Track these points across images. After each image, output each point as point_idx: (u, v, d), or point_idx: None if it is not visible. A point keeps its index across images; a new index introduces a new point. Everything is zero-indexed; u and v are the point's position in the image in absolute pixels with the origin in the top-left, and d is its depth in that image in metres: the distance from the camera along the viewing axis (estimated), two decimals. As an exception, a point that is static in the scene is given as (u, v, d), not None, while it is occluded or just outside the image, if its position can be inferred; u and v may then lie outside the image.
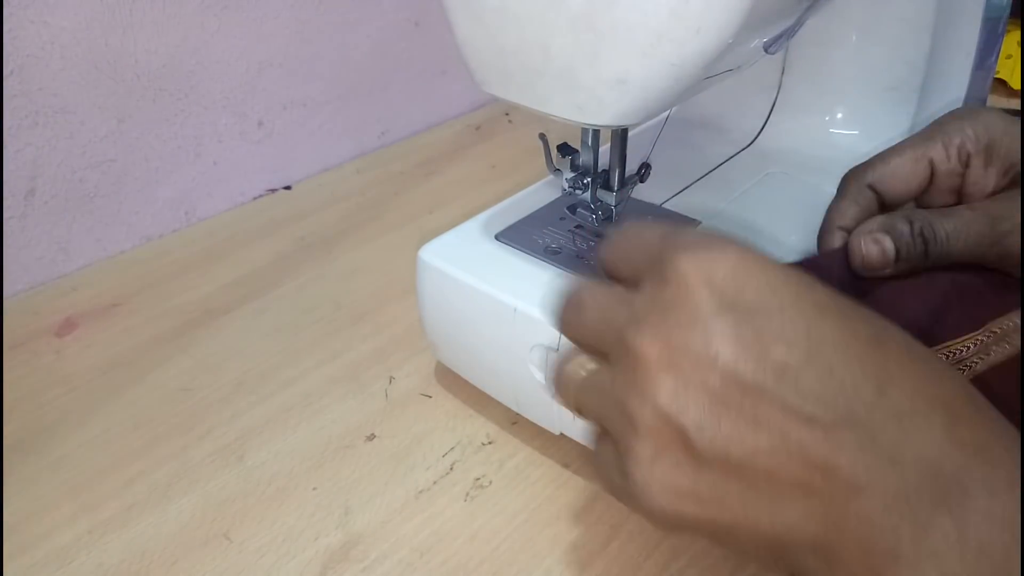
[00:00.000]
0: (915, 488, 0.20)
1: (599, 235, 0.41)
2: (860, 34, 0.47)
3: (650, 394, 0.22)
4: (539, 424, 0.39)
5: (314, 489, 0.39)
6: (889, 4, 0.48)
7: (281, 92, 0.65)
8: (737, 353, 0.21)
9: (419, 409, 0.43)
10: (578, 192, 0.41)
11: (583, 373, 0.26)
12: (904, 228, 0.33)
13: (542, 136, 0.41)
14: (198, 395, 0.45)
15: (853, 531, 0.21)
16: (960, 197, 0.35)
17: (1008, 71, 0.74)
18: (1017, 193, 0.33)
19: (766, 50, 0.33)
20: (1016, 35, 0.74)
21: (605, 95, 0.30)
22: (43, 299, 0.54)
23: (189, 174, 0.62)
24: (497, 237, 0.41)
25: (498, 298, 0.37)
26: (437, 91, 0.78)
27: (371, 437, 0.41)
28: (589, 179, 0.40)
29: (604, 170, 0.40)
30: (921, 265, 0.33)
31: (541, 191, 0.45)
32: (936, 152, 0.35)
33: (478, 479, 0.39)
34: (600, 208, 0.41)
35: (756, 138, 0.52)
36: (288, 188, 0.68)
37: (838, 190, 0.37)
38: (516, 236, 0.41)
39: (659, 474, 0.22)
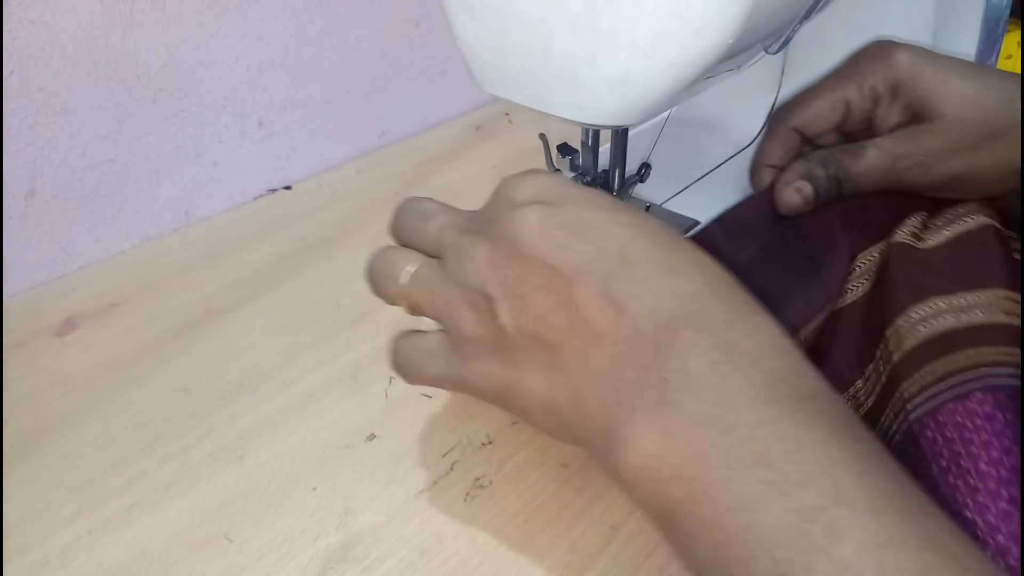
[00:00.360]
0: (644, 331, 0.24)
1: None
2: (860, 34, 0.47)
3: (471, 271, 0.27)
4: (539, 424, 0.39)
5: (314, 489, 0.39)
6: (889, 4, 0.48)
7: (281, 92, 0.65)
8: (533, 233, 0.26)
9: (419, 409, 0.43)
10: None
11: (410, 270, 0.30)
12: (820, 173, 0.39)
13: (542, 136, 0.41)
14: (198, 395, 0.45)
15: (595, 381, 0.25)
16: (869, 127, 0.41)
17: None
18: (918, 129, 0.39)
19: (766, 50, 0.33)
20: (1016, 35, 0.74)
21: (605, 95, 0.30)
22: (43, 299, 0.54)
23: (189, 174, 0.62)
24: (497, 237, 0.41)
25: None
26: (437, 91, 0.78)
27: (371, 437, 0.41)
28: (589, 179, 0.40)
29: (604, 170, 0.40)
30: (836, 200, 0.39)
31: (541, 191, 0.45)
32: (851, 93, 0.40)
33: (478, 479, 0.39)
34: None
35: (756, 138, 0.52)
36: (288, 188, 0.68)
37: (767, 131, 0.42)
38: (516, 236, 0.41)
39: (473, 340, 0.28)
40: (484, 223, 0.28)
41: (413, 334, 0.32)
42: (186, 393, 0.45)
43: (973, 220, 0.37)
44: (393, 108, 0.75)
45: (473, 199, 0.63)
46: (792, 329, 0.35)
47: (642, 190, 0.42)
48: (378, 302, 0.53)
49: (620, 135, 0.39)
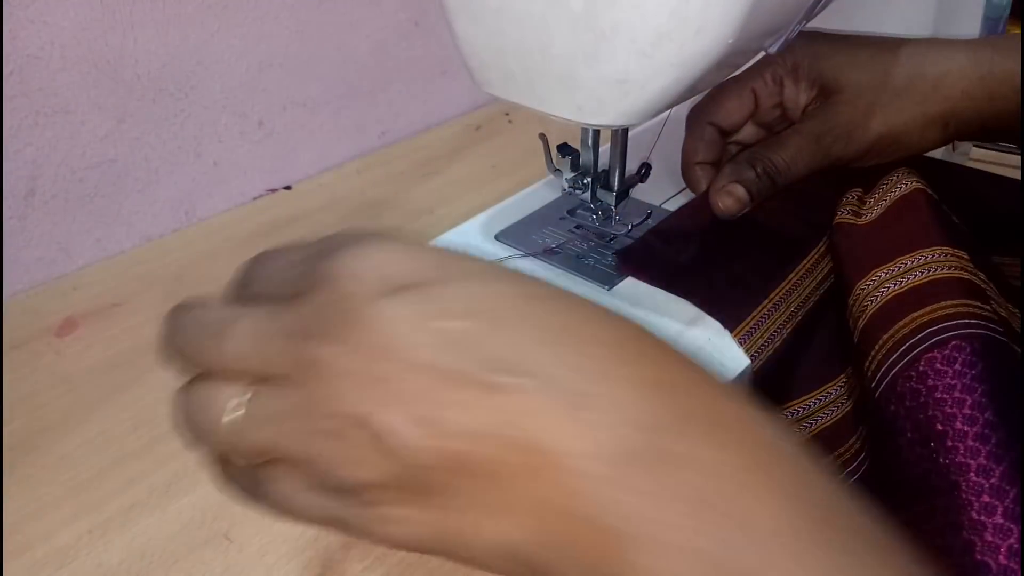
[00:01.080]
0: (621, 453, 0.18)
1: (600, 235, 0.41)
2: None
3: (338, 400, 0.19)
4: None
5: (314, 489, 0.39)
6: (889, 4, 0.48)
7: (281, 92, 0.65)
8: (410, 333, 0.19)
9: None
10: (578, 192, 0.41)
11: (235, 404, 0.21)
12: (750, 174, 0.39)
13: (542, 136, 0.41)
14: (198, 395, 0.45)
15: (577, 512, 0.18)
16: (783, 111, 0.42)
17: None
18: (829, 103, 0.40)
19: (766, 50, 0.33)
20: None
21: (605, 95, 0.30)
22: (43, 299, 0.54)
23: (189, 174, 0.62)
24: (497, 237, 0.41)
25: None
26: (437, 91, 0.78)
27: (371, 437, 0.41)
28: (589, 179, 0.40)
29: (604, 170, 0.40)
30: (774, 193, 0.40)
31: (541, 191, 0.45)
32: (756, 83, 0.41)
33: (478, 479, 0.39)
34: (600, 208, 0.41)
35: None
36: (288, 188, 0.68)
37: (686, 131, 0.43)
38: (516, 236, 0.41)
39: (370, 484, 0.19)
40: (320, 323, 0.20)
41: (277, 475, 0.21)
42: (186, 393, 0.45)
43: (904, 186, 0.38)
44: (393, 108, 0.75)
45: (473, 199, 0.64)
46: (737, 321, 0.35)
47: (642, 190, 0.42)
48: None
49: (620, 135, 0.39)
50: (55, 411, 0.44)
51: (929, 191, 0.38)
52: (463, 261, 0.21)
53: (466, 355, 0.19)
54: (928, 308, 0.33)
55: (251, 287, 0.23)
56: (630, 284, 0.37)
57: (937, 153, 0.48)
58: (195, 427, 0.22)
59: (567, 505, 0.18)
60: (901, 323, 0.33)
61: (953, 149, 0.53)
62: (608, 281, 0.37)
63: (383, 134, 0.75)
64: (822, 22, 0.39)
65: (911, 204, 0.37)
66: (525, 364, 0.19)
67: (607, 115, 0.31)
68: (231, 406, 0.21)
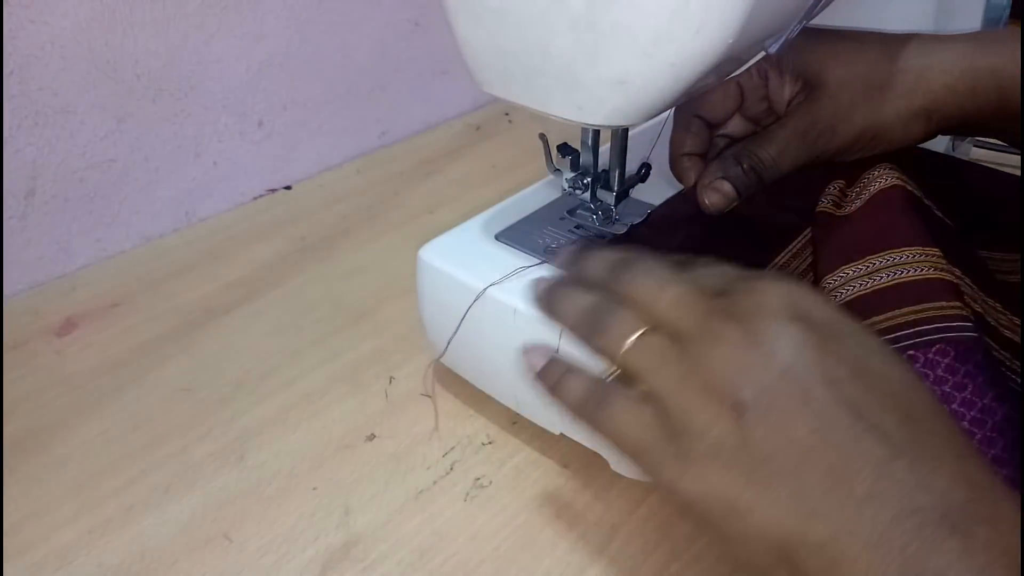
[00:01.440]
0: (931, 512, 0.21)
1: (600, 235, 0.41)
2: (860, 34, 0.47)
3: (718, 372, 0.24)
4: (539, 424, 0.39)
5: (314, 489, 0.39)
6: (889, 4, 0.48)
7: (281, 92, 0.65)
8: (799, 355, 0.24)
9: (419, 409, 0.43)
10: (578, 192, 0.41)
11: (633, 336, 0.27)
12: (736, 170, 0.39)
13: (542, 136, 0.41)
14: (198, 395, 0.45)
15: (865, 540, 0.21)
16: (769, 104, 0.42)
17: (1008, 71, 0.74)
18: (813, 97, 0.40)
19: (766, 50, 0.33)
20: (1016, 35, 0.74)
21: (605, 95, 0.30)
22: (43, 299, 0.54)
23: (189, 174, 0.62)
24: (497, 237, 0.41)
25: (498, 298, 0.37)
26: (437, 91, 0.78)
27: (371, 437, 0.41)
28: (589, 179, 0.40)
29: (604, 170, 0.40)
30: (761, 189, 0.40)
31: (541, 191, 0.45)
32: (742, 76, 0.41)
33: (478, 479, 0.39)
34: (600, 208, 0.41)
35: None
36: (288, 188, 0.68)
37: (673, 124, 0.43)
38: (516, 236, 0.41)
39: (708, 441, 0.24)
40: (736, 313, 0.25)
41: (622, 390, 0.27)
42: (186, 393, 0.45)
43: (883, 182, 0.39)
44: (393, 108, 0.75)
45: (473, 199, 0.64)
46: None
47: (642, 190, 0.42)
48: (377, 302, 0.53)
49: (620, 135, 0.39)
50: (55, 411, 0.44)
51: (909, 187, 0.38)
52: (853, 323, 0.26)
53: (837, 394, 0.23)
54: (892, 312, 0.33)
55: (692, 270, 0.29)
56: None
57: (938, 150, 0.48)
58: (599, 329, 0.28)
59: (858, 530, 0.22)
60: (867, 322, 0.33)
61: (953, 149, 0.53)
62: (608, 281, 0.37)
63: (383, 134, 0.75)
64: (821, 21, 0.39)
65: (886, 201, 0.38)
66: (866, 416, 0.23)
67: (607, 115, 0.31)
68: (636, 334, 0.27)
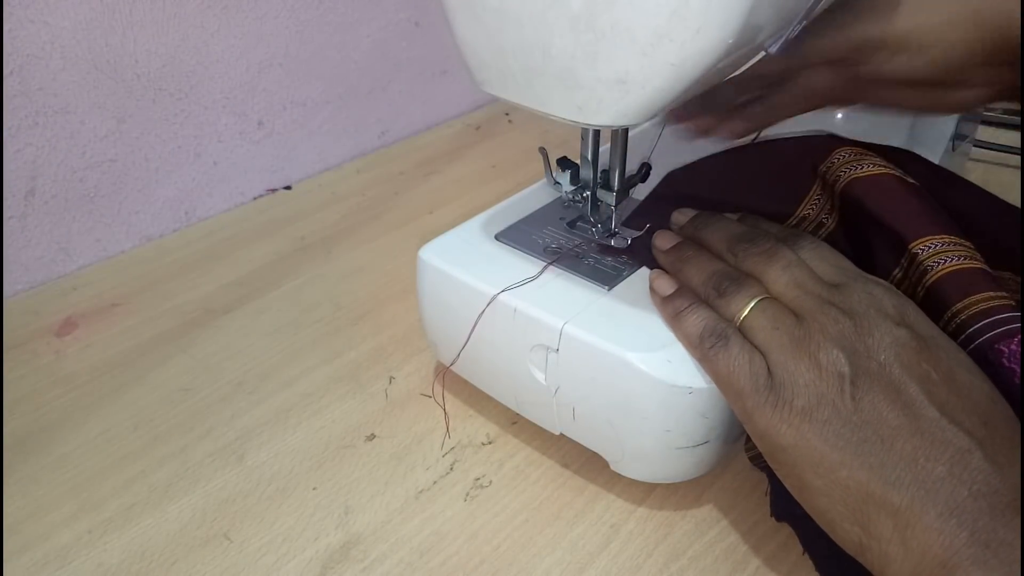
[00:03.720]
0: (1002, 496, 0.24)
1: (602, 248, 0.41)
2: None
3: (832, 337, 0.28)
4: (539, 424, 0.39)
5: (314, 489, 0.39)
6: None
7: (281, 92, 0.65)
8: (900, 354, 0.27)
9: (419, 409, 0.43)
10: (578, 204, 0.41)
11: (755, 300, 0.31)
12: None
13: (542, 150, 0.41)
14: (198, 395, 0.45)
15: (940, 510, 0.25)
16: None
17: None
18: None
19: (766, 50, 0.33)
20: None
21: (605, 95, 0.30)
22: (43, 299, 0.54)
23: (189, 174, 0.62)
24: (497, 237, 0.41)
25: (498, 298, 0.37)
26: (437, 91, 0.78)
27: (371, 437, 0.41)
28: (588, 192, 0.40)
29: (604, 170, 0.40)
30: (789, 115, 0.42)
31: (541, 191, 0.45)
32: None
33: (478, 479, 0.39)
34: (599, 220, 0.41)
35: (755, 139, 0.52)
36: (288, 188, 0.68)
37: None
38: (516, 236, 0.41)
39: (808, 396, 0.28)
40: (846, 304, 0.29)
41: (740, 335, 0.31)
42: (186, 393, 0.45)
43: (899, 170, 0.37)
44: (393, 108, 0.75)
45: (473, 199, 0.64)
46: None
47: (642, 190, 0.42)
48: (377, 302, 0.53)
49: (620, 135, 0.39)
50: (55, 411, 0.44)
51: (907, 179, 0.37)
52: (951, 343, 0.29)
53: (927, 392, 0.27)
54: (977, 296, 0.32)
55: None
56: (630, 284, 0.37)
57: (937, 153, 0.48)
58: (720, 291, 0.32)
59: (933, 498, 0.25)
60: (968, 300, 0.32)
61: (953, 149, 0.53)
62: (608, 281, 0.37)
63: (383, 134, 0.75)
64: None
65: (907, 188, 0.36)
66: (950, 416, 0.26)
67: (607, 115, 0.31)
68: (758, 299, 0.31)
